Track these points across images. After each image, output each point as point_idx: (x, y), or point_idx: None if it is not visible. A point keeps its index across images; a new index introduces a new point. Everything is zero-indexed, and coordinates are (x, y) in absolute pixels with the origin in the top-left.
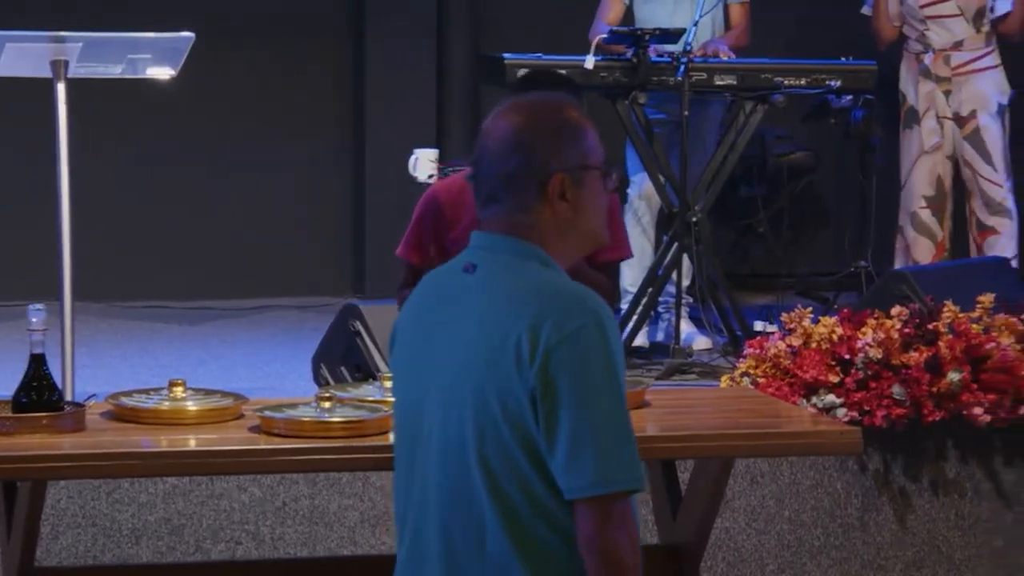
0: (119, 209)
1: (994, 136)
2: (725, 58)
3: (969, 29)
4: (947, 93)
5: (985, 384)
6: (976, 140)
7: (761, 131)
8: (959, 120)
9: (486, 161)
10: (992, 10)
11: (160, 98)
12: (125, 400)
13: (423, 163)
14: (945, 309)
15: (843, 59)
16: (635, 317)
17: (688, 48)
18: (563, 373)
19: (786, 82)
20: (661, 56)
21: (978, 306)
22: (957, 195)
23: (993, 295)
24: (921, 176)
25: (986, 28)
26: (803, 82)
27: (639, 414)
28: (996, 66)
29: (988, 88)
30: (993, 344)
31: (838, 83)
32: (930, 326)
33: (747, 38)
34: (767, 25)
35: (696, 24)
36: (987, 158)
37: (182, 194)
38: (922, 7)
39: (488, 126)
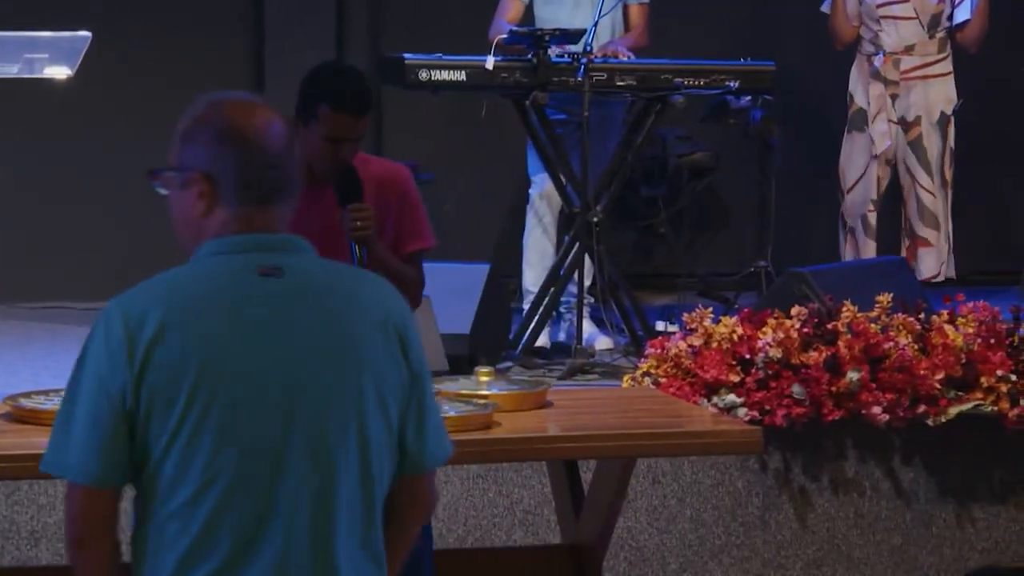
0: (21, 210)
1: (934, 145)
2: (624, 59)
3: (922, 34)
4: (894, 97)
5: (884, 383)
6: (917, 147)
7: (661, 131)
8: (904, 125)
9: (291, 158)
10: (950, 18)
11: (61, 96)
12: (24, 402)
13: None
14: (844, 309)
15: (742, 60)
16: (537, 317)
17: (588, 49)
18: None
19: (685, 83)
20: (561, 57)
21: (876, 306)
22: (893, 201)
23: (891, 295)
24: (872, 180)
25: (940, 35)
26: (702, 83)
27: (541, 414)
28: (946, 74)
29: (934, 96)
30: (891, 344)
31: (737, 84)
32: (829, 326)
33: (646, 39)
34: (664, 25)
35: (596, 25)
36: (926, 167)
37: (88, 195)
38: (878, 6)
39: (259, 123)
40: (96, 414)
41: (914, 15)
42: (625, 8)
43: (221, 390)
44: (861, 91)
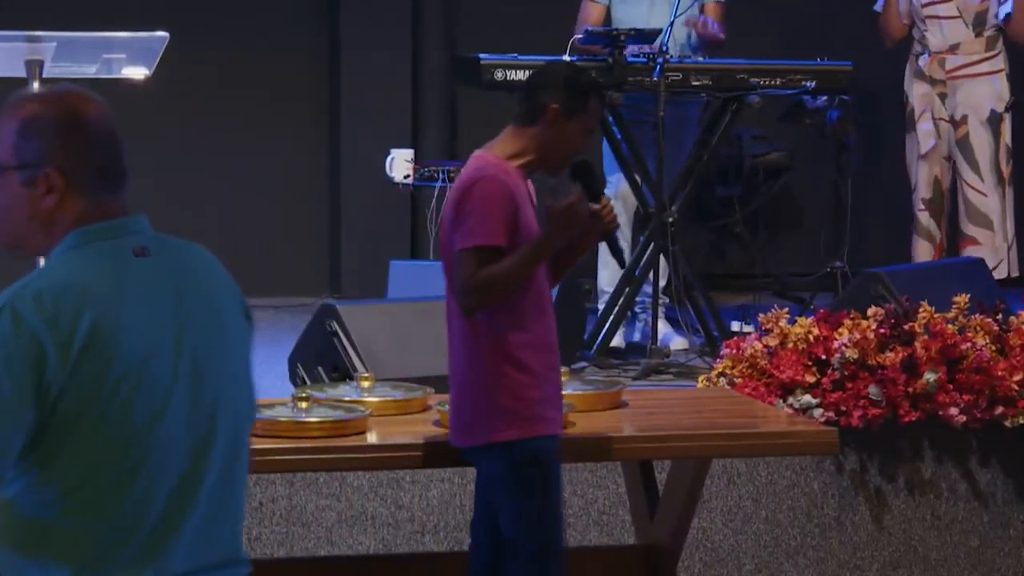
0: None
1: (983, 143)
2: (711, 30)
3: (967, 33)
4: (942, 96)
5: (960, 384)
6: (965, 146)
7: (737, 131)
8: (953, 123)
9: (121, 142)
10: (997, 16)
11: (136, 97)
12: None
13: (399, 163)
14: (921, 309)
15: (818, 60)
16: (612, 317)
17: (664, 48)
18: None
19: (761, 82)
20: (637, 56)
21: (953, 306)
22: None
23: (968, 295)
24: (921, 178)
25: (989, 33)
26: (778, 82)
27: (616, 414)
28: (996, 71)
29: (982, 94)
30: (968, 344)
31: (813, 83)
32: (906, 326)
33: (724, 34)
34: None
35: (672, 25)
36: (974, 166)
37: (159, 193)
38: (923, 6)
39: (96, 111)
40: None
41: (957, 14)
42: (702, 7)
43: (143, 371)
44: (912, 91)
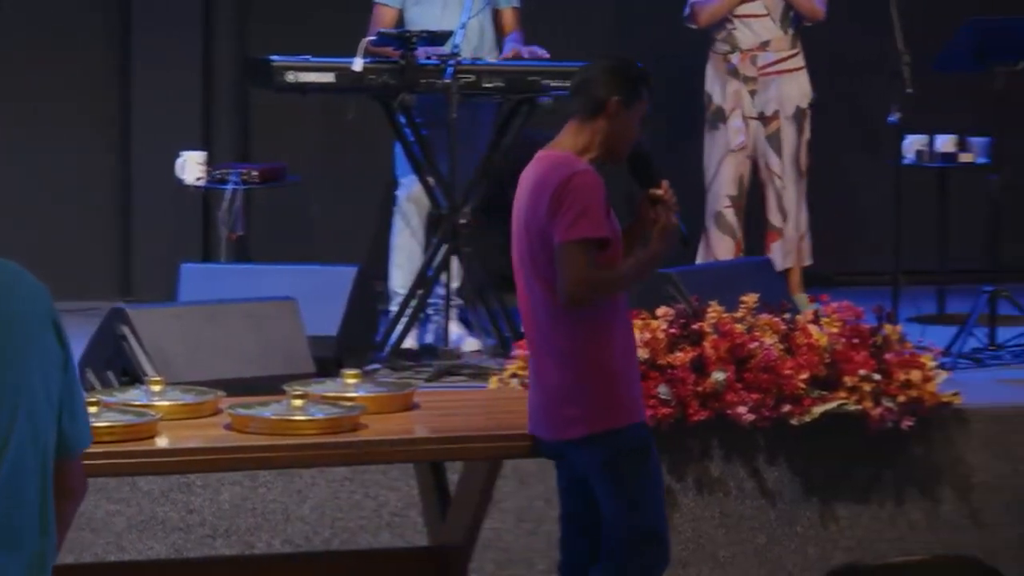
0: None
1: (790, 138)
2: (542, 54)
3: (776, 30)
4: (753, 93)
5: (749, 383)
6: (775, 141)
7: (529, 133)
8: (763, 120)
9: None
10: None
11: None
12: None
13: (190, 166)
14: (710, 309)
15: None
16: (404, 319)
17: (456, 50)
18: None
19: (553, 84)
20: (429, 58)
21: (742, 306)
22: (752, 195)
23: (756, 295)
24: (726, 175)
25: (792, 31)
26: (569, 84)
27: (408, 416)
28: (800, 68)
29: (792, 90)
30: (756, 344)
31: None
32: (695, 326)
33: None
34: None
35: (464, 27)
36: (781, 159)
37: None
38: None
39: None
40: None
41: (766, 12)
42: (496, 11)
43: None
44: (719, 89)
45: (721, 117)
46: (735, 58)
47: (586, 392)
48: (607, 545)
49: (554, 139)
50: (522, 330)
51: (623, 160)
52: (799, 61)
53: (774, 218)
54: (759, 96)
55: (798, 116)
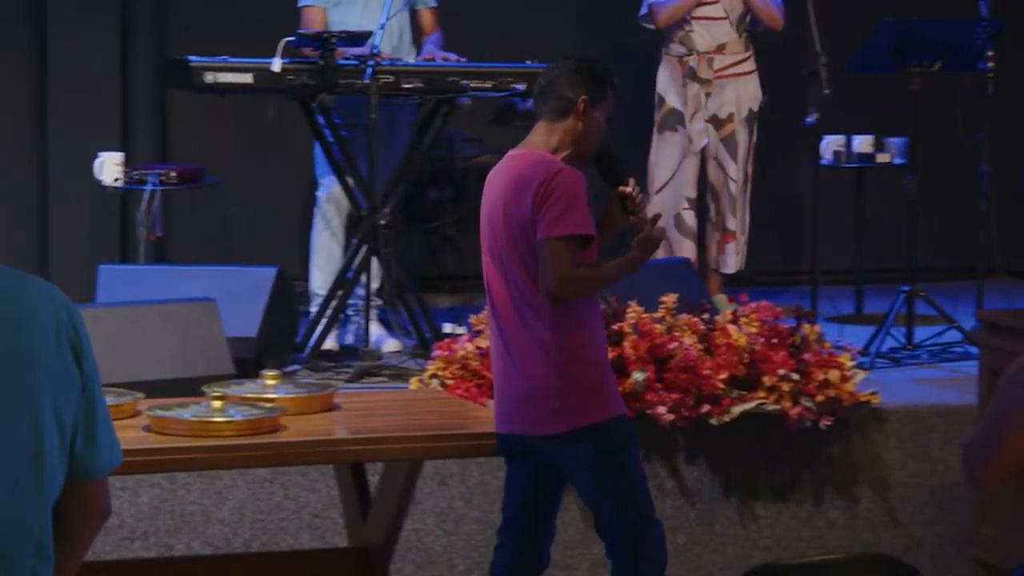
0: None
1: (744, 141)
2: (456, 59)
3: (732, 33)
4: (708, 95)
5: (668, 383)
6: (730, 143)
7: (449, 134)
8: (717, 122)
9: None
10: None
11: None
12: None
13: (108, 166)
14: (630, 310)
15: (528, 62)
16: (324, 320)
17: (375, 51)
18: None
19: (472, 85)
20: (349, 59)
21: (661, 307)
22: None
23: (675, 296)
24: (687, 178)
25: (745, 35)
26: (489, 85)
27: (328, 417)
28: (753, 72)
29: (746, 93)
30: (676, 344)
31: (524, 86)
32: (615, 327)
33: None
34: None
35: (383, 27)
36: (736, 162)
37: None
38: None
39: None
40: None
41: (725, 15)
42: (414, 12)
43: None
44: (674, 92)
45: (679, 119)
46: (693, 60)
47: (570, 385)
48: (609, 544)
49: (524, 140)
50: (495, 326)
51: (589, 159)
52: (752, 64)
53: (729, 221)
54: (713, 99)
55: (749, 119)
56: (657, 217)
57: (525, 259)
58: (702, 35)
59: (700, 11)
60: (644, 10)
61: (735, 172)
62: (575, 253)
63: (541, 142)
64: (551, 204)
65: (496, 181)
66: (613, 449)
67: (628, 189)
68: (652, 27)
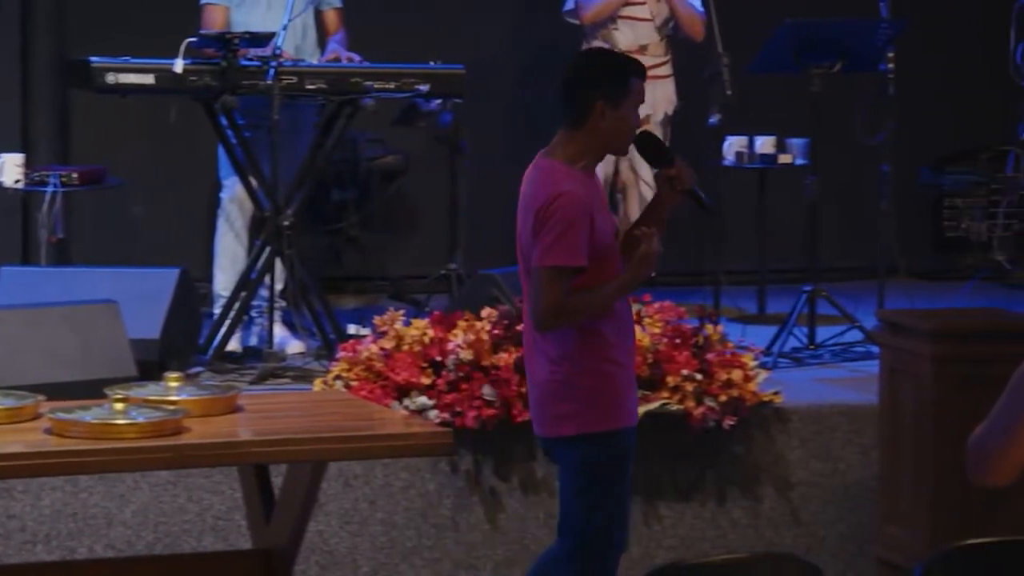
0: None
1: None
2: (358, 59)
3: (654, 35)
4: None
5: None
6: None
7: (352, 135)
8: None
9: None
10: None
11: None
12: None
13: (9, 168)
14: None
15: (431, 63)
16: (228, 322)
17: (278, 51)
18: None
19: (376, 86)
20: (251, 60)
21: None
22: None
23: None
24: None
25: (666, 38)
26: (392, 86)
27: (232, 419)
28: (670, 76)
29: (663, 95)
30: None
31: (427, 87)
32: (519, 327)
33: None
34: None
35: (286, 28)
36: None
37: None
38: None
39: None
40: None
41: (650, 17)
42: (319, 12)
43: None
44: None
45: None
46: None
47: (575, 392)
48: (560, 546)
49: (550, 145)
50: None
51: (626, 151)
52: (670, 68)
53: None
54: None
55: (664, 123)
56: (654, 232)
57: (531, 270)
58: (625, 34)
59: (626, 11)
60: (571, 4)
61: (647, 175)
62: (565, 283)
63: (560, 151)
64: (547, 231)
65: (523, 188)
66: (603, 462)
67: (673, 171)
68: (577, 22)
